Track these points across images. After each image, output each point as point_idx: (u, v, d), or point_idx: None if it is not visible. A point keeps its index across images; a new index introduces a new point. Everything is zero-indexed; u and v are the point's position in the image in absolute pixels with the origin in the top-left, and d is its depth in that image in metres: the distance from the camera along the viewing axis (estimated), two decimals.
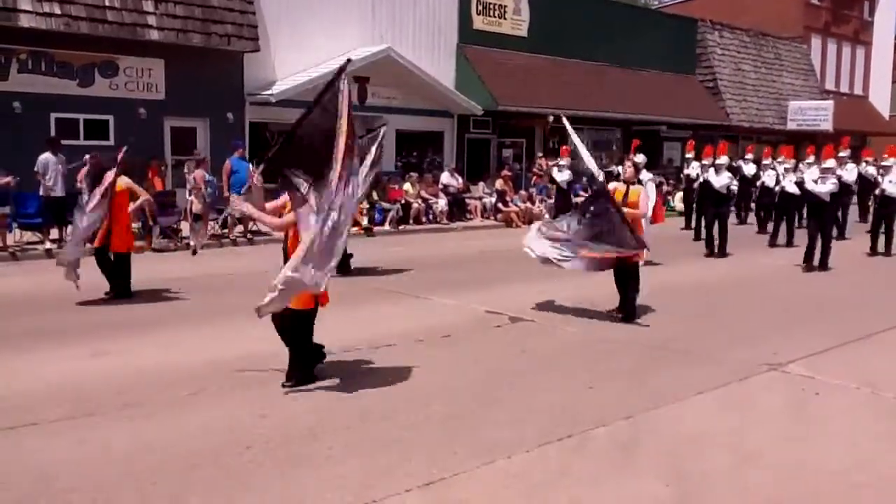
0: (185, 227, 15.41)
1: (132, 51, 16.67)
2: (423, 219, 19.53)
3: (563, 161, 18.12)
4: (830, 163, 13.73)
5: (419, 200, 19.59)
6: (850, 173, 18.13)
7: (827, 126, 31.94)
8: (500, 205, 21.02)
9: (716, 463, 5.05)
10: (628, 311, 9.12)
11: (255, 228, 16.47)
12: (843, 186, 17.40)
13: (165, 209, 15.17)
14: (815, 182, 13.40)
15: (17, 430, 5.34)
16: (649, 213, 12.63)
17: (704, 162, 16.46)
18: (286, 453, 5.03)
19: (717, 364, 7.38)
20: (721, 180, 15.08)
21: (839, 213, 17.69)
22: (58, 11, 15.17)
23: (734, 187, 16.74)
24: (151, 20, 16.46)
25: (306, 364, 6.50)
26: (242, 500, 4.40)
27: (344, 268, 11.46)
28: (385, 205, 18.91)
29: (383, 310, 9.64)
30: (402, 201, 19.19)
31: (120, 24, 16.03)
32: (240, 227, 16.02)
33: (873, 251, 15.59)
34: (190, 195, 15.18)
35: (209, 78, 17.64)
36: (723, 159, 15.71)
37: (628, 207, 9.18)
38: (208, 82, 17.63)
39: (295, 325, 6.36)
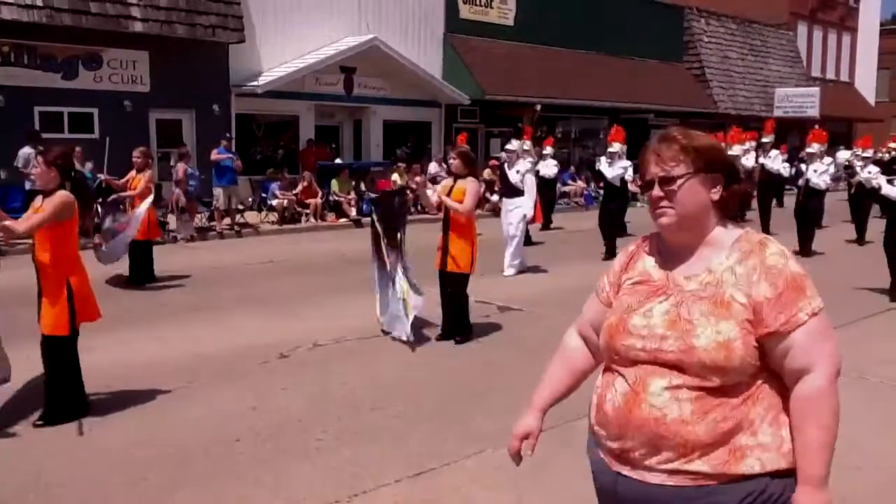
0: (171, 219, 15.35)
1: (116, 43, 16.52)
2: (412, 209, 19.47)
3: (616, 147, 16.81)
4: (736, 149, 12.28)
5: (408, 190, 19.53)
6: (773, 161, 16.45)
7: (814, 112, 32.05)
8: (487, 194, 20.99)
9: None
10: (463, 329, 7.65)
11: (242, 221, 16.44)
12: (770, 176, 16.27)
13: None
14: None
15: (4, 426, 5.31)
16: (529, 213, 11.40)
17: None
18: (276, 445, 5.02)
19: None
20: (614, 171, 13.21)
21: (765, 205, 16.20)
22: (40, 3, 15.01)
23: (630, 178, 14.67)
24: (135, 12, 16.31)
25: (65, 402, 5.35)
26: (234, 492, 4.39)
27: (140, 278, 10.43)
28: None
29: (373, 300, 9.61)
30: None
31: (104, 16, 15.88)
32: (227, 220, 15.96)
33: (802, 252, 13.27)
34: (176, 188, 15.14)
35: (194, 70, 17.52)
36: (615, 147, 13.53)
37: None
38: (193, 74, 17.51)
39: (53, 354, 5.34)
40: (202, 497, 4.34)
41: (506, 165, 11.78)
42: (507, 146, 12.13)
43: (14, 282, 8.09)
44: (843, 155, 18.60)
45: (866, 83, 42.32)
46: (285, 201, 17.08)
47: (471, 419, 5.54)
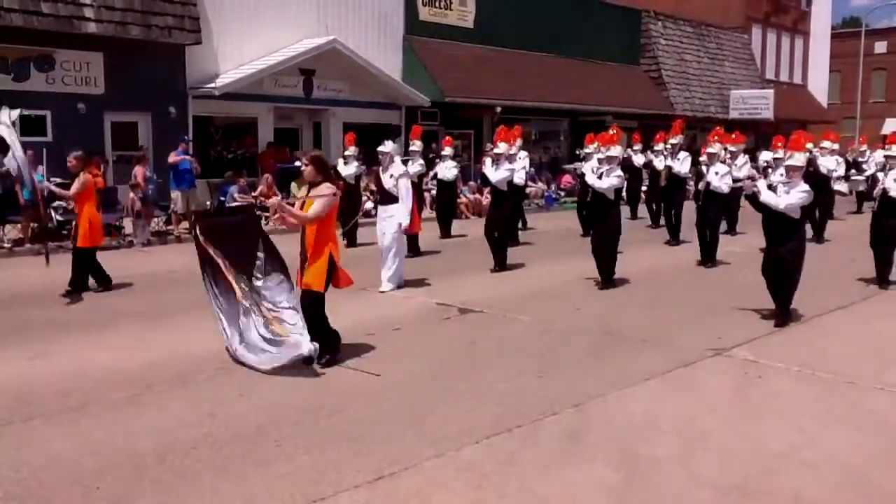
0: (127, 224, 15.12)
1: (69, 44, 16.20)
2: (373, 211, 19.39)
3: (351, 150, 14.89)
4: (615, 150, 10.74)
5: (367, 193, 19.45)
6: (683, 164, 15.25)
7: (768, 114, 32.62)
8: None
9: (664, 448, 5.13)
10: (327, 353, 6.84)
11: None
12: (678, 180, 15.29)
13: (107, 206, 14.84)
14: (600, 177, 10.39)
15: None
16: (404, 222, 10.12)
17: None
18: (234, 451, 4.96)
19: (664, 350, 7.49)
20: (499, 174, 11.92)
21: (673, 212, 15.15)
22: None
23: (520, 180, 14.20)
24: (89, 12, 16.01)
25: None
26: (190, 500, 4.32)
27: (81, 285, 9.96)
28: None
29: (332, 303, 9.55)
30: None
31: (56, 16, 15.57)
32: (185, 224, 15.73)
33: (705, 260, 12.53)
34: (132, 192, 14.92)
35: (150, 71, 17.25)
36: (501, 147, 12.29)
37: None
38: (149, 76, 17.24)
39: None
40: None
41: (380, 169, 10.62)
42: (380, 147, 10.85)
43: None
44: (765, 156, 17.70)
45: (818, 85, 43.18)
46: (244, 204, 16.89)
47: (431, 422, 5.52)
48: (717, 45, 35.37)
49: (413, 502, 4.36)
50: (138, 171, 14.94)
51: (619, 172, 10.48)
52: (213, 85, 18.12)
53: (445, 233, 16.05)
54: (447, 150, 16.24)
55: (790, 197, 8.21)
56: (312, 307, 6.84)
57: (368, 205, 14.38)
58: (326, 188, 6.79)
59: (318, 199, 6.69)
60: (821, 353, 7.43)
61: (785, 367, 6.96)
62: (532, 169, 24.35)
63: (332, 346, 6.93)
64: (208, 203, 17.72)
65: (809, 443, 5.28)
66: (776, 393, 6.33)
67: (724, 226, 15.86)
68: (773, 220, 8.38)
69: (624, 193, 13.77)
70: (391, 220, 10.23)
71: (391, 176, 10.34)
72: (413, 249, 13.33)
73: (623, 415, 5.75)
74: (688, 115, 31.58)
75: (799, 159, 8.52)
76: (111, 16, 16.34)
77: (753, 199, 8.38)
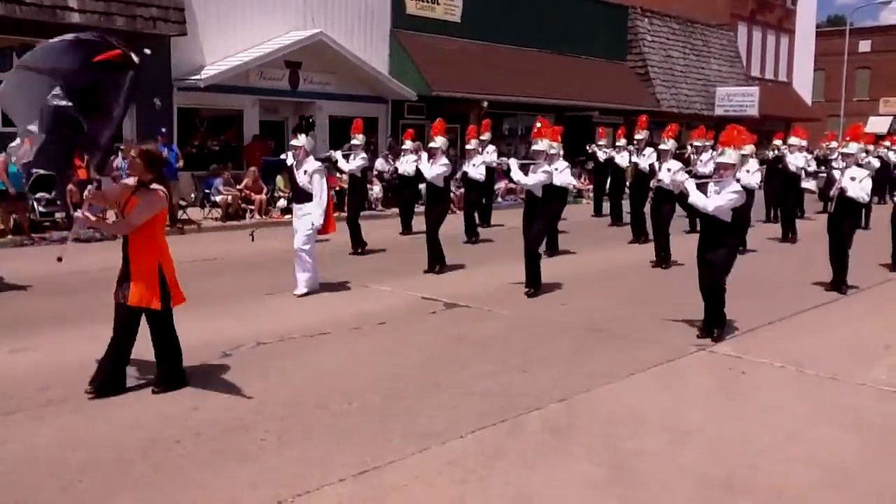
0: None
1: (53, 34, 15.85)
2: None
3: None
4: (542, 144, 9.79)
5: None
6: (647, 160, 14.59)
7: (753, 112, 32.76)
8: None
9: (649, 443, 5.14)
10: (165, 379, 6.05)
11: (184, 217, 16.13)
12: (644, 177, 14.30)
13: None
14: (526, 173, 9.62)
15: None
16: (317, 222, 9.44)
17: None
18: (218, 446, 4.93)
19: (648, 345, 7.52)
20: (434, 170, 11.28)
21: (637, 209, 14.35)
22: None
23: (479, 176, 14.34)
24: (73, 2, 15.85)
25: None
26: (173, 495, 4.30)
27: None
28: None
29: (318, 297, 9.54)
30: (338, 188, 18.96)
31: (39, 6, 15.40)
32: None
33: (660, 262, 12.07)
34: (114, 183, 14.81)
35: None
36: (439, 141, 11.95)
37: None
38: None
39: None
40: (140, 501, 4.24)
41: (294, 165, 9.90)
42: (293, 141, 10.10)
43: None
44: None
45: (803, 83, 43.44)
46: (229, 197, 16.82)
47: (416, 416, 5.52)
48: (703, 42, 35.51)
49: (397, 496, 4.35)
50: (115, 163, 14.81)
51: (547, 168, 9.66)
52: (198, 77, 18.01)
53: (407, 229, 15.55)
54: (407, 144, 15.23)
55: (719, 199, 7.42)
56: (160, 321, 6.14)
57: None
58: (153, 190, 5.89)
59: (143, 205, 5.82)
60: (803, 350, 7.47)
61: (769, 364, 7.00)
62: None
63: (175, 377, 6.13)
64: (192, 195, 17.59)
65: (793, 438, 5.31)
66: (760, 389, 6.36)
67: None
68: (707, 223, 7.66)
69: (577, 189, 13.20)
70: (305, 219, 9.56)
71: (305, 172, 9.63)
72: (358, 245, 12.96)
73: (608, 409, 5.77)
74: (674, 111, 31.71)
75: (730, 156, 7.61)
76: (95, 6, 16.18)
77: (682, 199, 7.70)
